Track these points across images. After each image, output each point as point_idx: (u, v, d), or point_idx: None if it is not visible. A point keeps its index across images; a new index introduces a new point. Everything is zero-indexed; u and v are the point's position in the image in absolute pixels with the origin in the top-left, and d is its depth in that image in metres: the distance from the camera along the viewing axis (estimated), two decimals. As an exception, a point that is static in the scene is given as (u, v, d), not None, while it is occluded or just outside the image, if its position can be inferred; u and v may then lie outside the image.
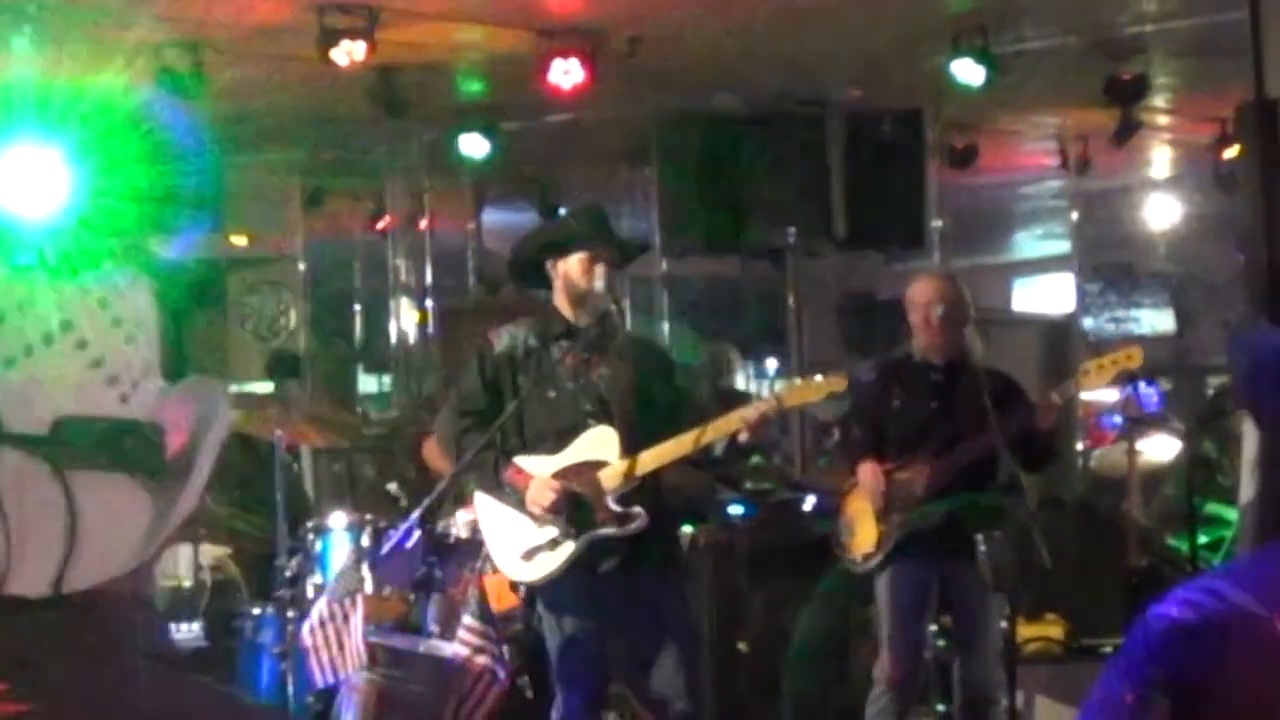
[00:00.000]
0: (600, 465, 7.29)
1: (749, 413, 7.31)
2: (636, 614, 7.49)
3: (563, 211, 14.25)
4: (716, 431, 7.35)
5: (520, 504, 7.28)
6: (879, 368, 9.15)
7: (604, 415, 7.39)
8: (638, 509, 7.19)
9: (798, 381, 8.04)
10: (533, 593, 7.60)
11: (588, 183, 13.05)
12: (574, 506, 7.21)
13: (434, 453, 9.59)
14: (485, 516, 7.54)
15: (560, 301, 7.56)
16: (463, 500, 8.27)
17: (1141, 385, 8.75)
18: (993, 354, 9.58)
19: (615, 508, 7.22)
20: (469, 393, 7.57)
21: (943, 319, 8.49)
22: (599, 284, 7.42)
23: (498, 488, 7.36)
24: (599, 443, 7.33)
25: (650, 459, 7.25)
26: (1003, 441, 7.97)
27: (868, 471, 8.41)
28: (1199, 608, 2.83)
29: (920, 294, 8.65)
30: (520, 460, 7.33)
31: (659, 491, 7.39)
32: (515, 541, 7.34)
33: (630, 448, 7.29)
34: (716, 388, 15.03)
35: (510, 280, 10.02)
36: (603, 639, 7.53)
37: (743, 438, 7.34)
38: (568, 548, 7.22)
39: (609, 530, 7.22)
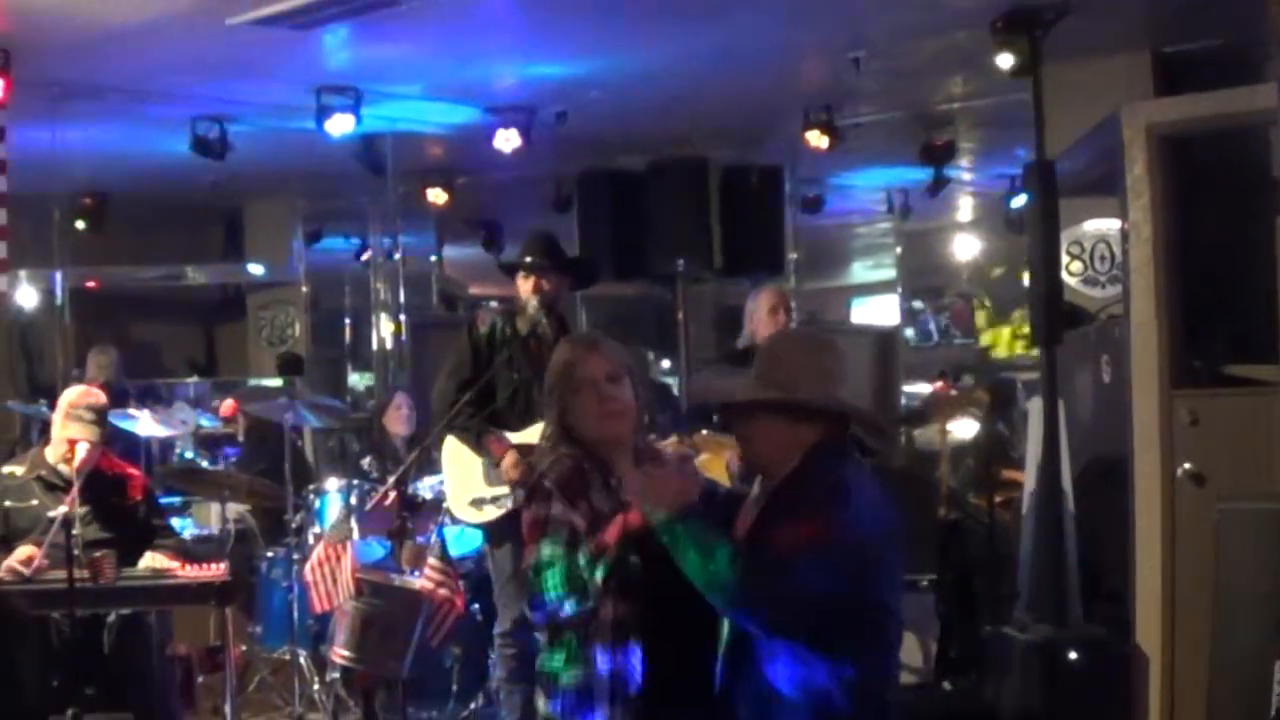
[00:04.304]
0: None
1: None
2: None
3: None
4: None
5: (487, 462, 7.31)
6: (727, 360, 9.12)
7: None
8: None
9: (712, 436, 7.80)
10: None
11: (523, 225, 13.02)
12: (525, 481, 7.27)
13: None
14: (450, 459, 7.56)
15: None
16: (427, 468, 8.27)
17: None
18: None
19: None
20: (458, 364, 7.52)
21: (785, 321, 8.56)
22: (531, 301, 7.42)
23: (476, 445, 7.36)
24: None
25: None
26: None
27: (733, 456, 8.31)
28: None
29: (768, 300, 8.69)
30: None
31: None
32: (469, 488, 7.41)
33: None
34: (648, 381, 15.15)
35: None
36: None
37: None
38: (505, 506, 7.28)
39: None
